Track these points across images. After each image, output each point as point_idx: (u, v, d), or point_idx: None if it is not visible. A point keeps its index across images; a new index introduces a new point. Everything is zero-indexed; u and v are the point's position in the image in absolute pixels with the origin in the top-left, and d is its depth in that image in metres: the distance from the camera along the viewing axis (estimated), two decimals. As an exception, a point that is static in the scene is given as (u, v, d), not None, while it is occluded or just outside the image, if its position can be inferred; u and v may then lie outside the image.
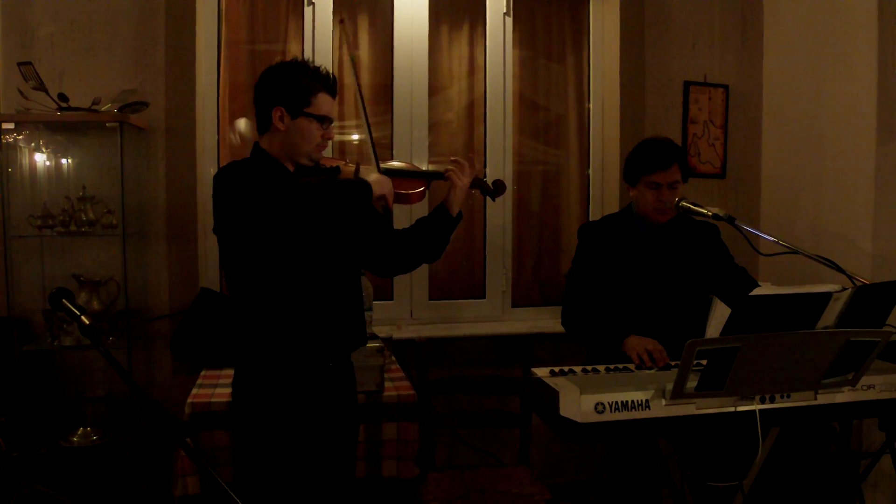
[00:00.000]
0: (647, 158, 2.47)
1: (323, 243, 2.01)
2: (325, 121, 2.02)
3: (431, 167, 3.63)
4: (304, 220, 1.89)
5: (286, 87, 1.98)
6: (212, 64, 3.33)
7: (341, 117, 3.49)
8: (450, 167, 2.17)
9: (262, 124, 2.04)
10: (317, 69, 2.03)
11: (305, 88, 1.99)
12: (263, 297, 1.98)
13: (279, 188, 1.89)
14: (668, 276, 2.50)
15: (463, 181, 2.16)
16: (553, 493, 2.72)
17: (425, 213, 2.23)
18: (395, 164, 2.27)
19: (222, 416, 2.45)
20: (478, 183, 2.22)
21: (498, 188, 2.26)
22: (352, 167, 2.14)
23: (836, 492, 2.59)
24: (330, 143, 2.13)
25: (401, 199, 2.16)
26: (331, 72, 2.06)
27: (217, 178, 1.96)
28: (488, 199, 2.31)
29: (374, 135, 2.19)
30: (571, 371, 2.09)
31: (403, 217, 3.37)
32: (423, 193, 2.18)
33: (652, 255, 2.52)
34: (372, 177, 2.00)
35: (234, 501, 1.31)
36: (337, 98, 2.12)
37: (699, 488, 2.41)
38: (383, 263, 2.24)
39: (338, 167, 2.11)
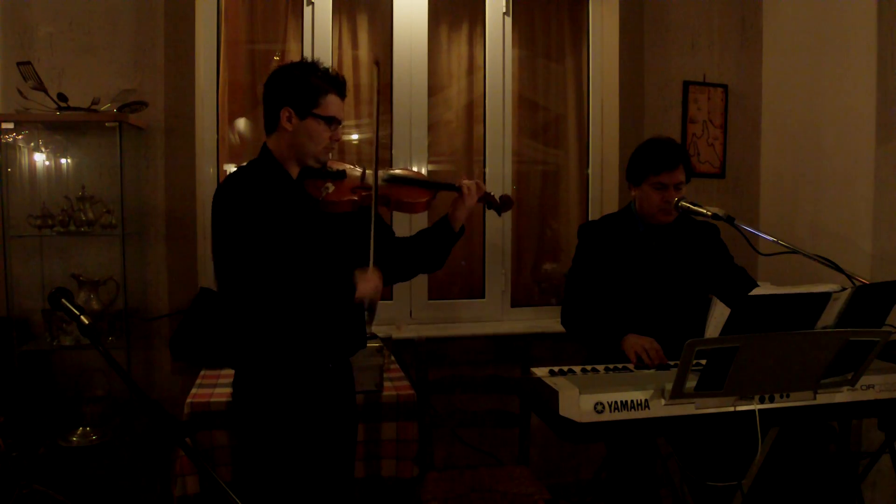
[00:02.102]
0: (653, 159, 2.46)
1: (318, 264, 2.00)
2: (333, 122, 2.01)
3: (431, 166, 3.64)
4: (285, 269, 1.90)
5: (295, 87, 1.97)
6: (211, 64, 3.32)
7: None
8: (459, 182, 2.17)
9: (270, 124, 2.02)
10: (326, 70, 2.01)
11: (314, 89, 1.97)
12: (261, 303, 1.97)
13: (271, 238, 1.88)
14: (668, 276, 2.50)
15: (470, 200, 2.17)
16: (552, 493, 2.72)
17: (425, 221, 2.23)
18: (402, 172, 2.24)
19: (221, 416, 2.45)
20: (485, 198, 2.22)
21: (505, 203, 2.25)
22: (358, 172, 2.13)
23: (835, 492, 2.59)
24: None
25: (405, 207, 2.14)
26: (341, 73, 2.05)
27: (216, 196, 1.95)
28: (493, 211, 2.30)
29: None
30: (571, 371, 2.09)
31: (403, 223, 3.37)
32: (427, 204, 2.16)
33: (652, 254, 2.52)
34: (360, 277, 1.95)
35: (233, 501, 1.31)
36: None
37: (698, 488, 2.41)
38: (382, 274, 2.23)
39: (344, 171, 2.10)
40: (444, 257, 2.22)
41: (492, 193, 2.24)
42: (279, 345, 1.98)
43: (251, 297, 1.90)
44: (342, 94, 2.04)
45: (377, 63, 2.17)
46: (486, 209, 2.29)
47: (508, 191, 3.66)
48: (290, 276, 1.89)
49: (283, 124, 1.98)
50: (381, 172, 2.12)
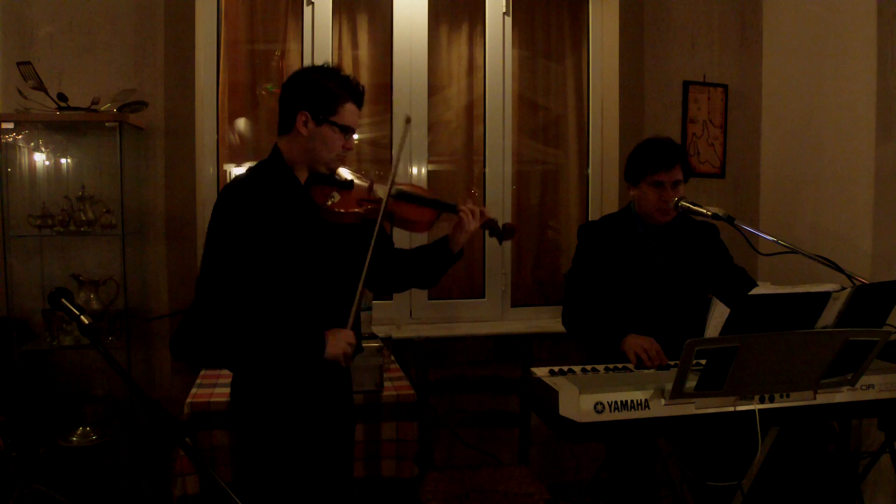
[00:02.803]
0: (650, 158, 2.46)
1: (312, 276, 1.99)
2: (348, 131, 1.99)
3: (431, 166, 3.64)
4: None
5: (314, 92, 1.95)
6: (211, 64, 3.33)
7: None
8: (463, 207, 2.13)
9: (285, 125, 2.00)
10: (347, 78, 1.99)
11: (333, 96, 1.95)
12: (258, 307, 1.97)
13: (258, 257, 1.87)
14: (668, 276, 2.50)
15: (472, 226, 2.12)
16: (552, 493, 2.72)
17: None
18: (410, 189, 2.19)
19: (221, 416, 2.45)
20: (488, 224, 2.18)
21: (507, 232, 2.20)
22: (365, 184, 2.11)
23: (835, 491, 2.59)
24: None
25: (408, 225, 2.11)
26: (361, 83, 2.03)
27: (216, 203, 1.94)
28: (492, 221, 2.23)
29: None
30: (571, 371, 2.09)
31: (402, 235, 3.35)
32: (430, 224, 2.13)
33: (652, 254, 2.52)
34: (331, 339, 1.93)
35: (233, 501, 1.31)
36: None
37: (698, 488, 2.41)
38: (376, 283, 2.23)
39: (352, 181, 2.07)
40: (439, 276, 2.20)
41: (495, 220, 2.18)
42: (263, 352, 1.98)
43: (217, 322, 1.90)
44: (360, 104, 2.02)
45: (408, 120, 2.14)
46: (488, 236, 2.24)
47: (508, 191, 3.67)
48: (257, 322, 1.89)
49: (299, 128, 1.96)
50: (388, 187, 2.09)
